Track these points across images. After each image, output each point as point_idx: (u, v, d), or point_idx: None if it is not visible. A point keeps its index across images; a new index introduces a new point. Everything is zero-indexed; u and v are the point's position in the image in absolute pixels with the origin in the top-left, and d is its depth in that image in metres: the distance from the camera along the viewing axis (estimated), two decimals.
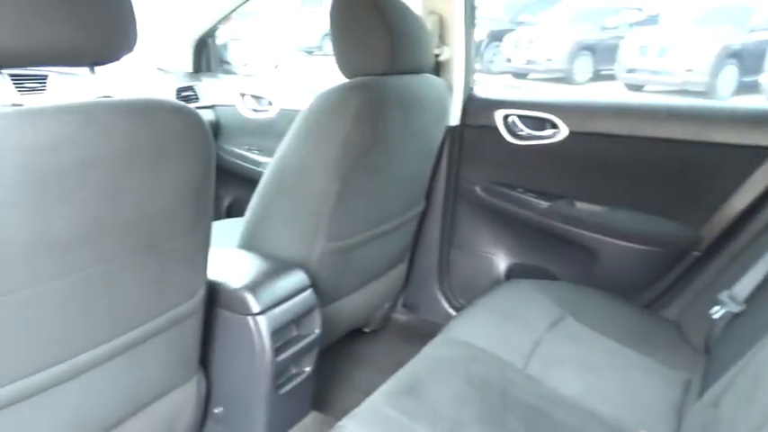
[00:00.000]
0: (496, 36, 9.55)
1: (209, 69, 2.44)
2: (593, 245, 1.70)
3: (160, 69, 2.34)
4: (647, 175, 1.64)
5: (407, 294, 2.05)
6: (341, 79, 1.43)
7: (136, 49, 0.99)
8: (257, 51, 2.51)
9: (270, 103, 2.25)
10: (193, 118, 1.01)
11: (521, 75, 9.59)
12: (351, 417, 1.06)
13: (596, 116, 1.67)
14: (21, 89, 1.84)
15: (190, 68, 2.40)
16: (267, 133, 2.24)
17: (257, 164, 2.26)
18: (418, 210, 1.79)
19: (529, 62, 9.41)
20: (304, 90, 2.26)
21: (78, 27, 0.88)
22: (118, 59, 0.96)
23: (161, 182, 0.96)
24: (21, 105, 0.84)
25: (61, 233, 0.84)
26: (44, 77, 1.89)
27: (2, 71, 0.86)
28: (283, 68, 2.59)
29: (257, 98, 2.29)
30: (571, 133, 1.68)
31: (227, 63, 2.46)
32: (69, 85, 1.92)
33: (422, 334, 1.97)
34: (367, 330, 1.97)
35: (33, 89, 1.85)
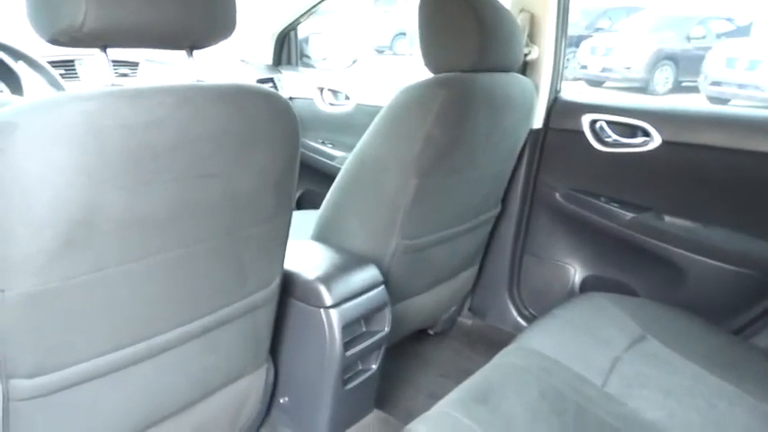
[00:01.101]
0: (573, 41, 9.29)
1: (289, 62, 2.48)
2: (680, 262, 1.60)
3: (243, 61, 2.39)
4: (746, 191, 1.53)
5: (475, 299, 2.00)
6: (418, 78, 1.40)
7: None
8: (336, 47, 2.52)
9: (347, 98, 2.25)
10: (283, 106, 1.00)
11: (596, 82, 9.29)
12: (421, 420, 1.03)
13: (694, 125, 1.57)
14: (117, 74, 1.92)
15: (270, 61, 2.44)
16: (343, 127, 2.24)
17: (331, 157, 2.27)
18: (494, 213, 1.74)
19: (605, 70, 9.10)
20: (382, 86, 2.25)
21: (181, 11, 0.89)
22: (215, 44, 0.97)
23: (247, 167, 0.96)
24: (120, 86, 0.86)
25: (150, 213, 0.85)
26: (135, 64, 1.97)
27: (106, 50, 0.88)
28: (360, 65, 2.59)
29: (335, 92, 2.30)
30: (664, 143, 1.58)
31: (307, 57, 2.48)
32: (158, 72, 1.98)
33: (487, 340, 1.93)
34: (432, 333, 1.94)
35: (125, 75, 1.92)
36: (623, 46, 8.98)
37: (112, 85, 0.86)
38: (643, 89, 8.79)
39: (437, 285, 1.70)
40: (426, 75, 1.43)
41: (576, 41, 9.31)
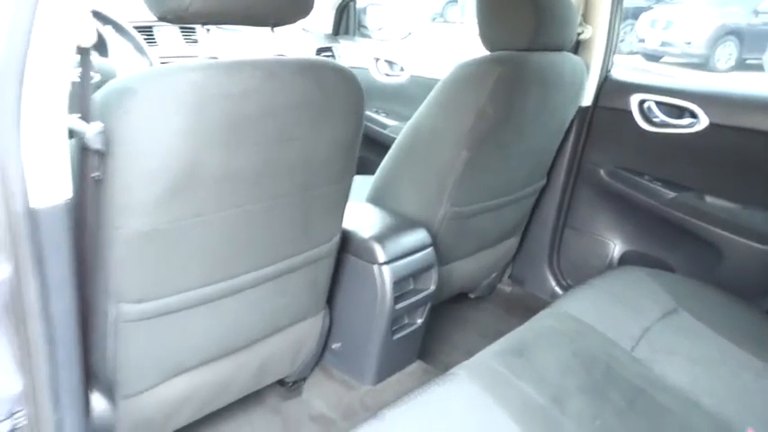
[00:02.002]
0: (630, 13, 8.98)
1: (347, 32, 2.57)
2: (717, 241, 1.66)
3: (304, 29, 2.50)
4: None
5: (515, 267, 2.10)
6: (473, 50, 1.48)
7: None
8: (392, 18, 2.60)
9: (402, 69, 2.34)
10: (353, 79, 1.12)
11: (653, 57, 8.99)
12: (462, 366, 1.15)
13: (742, 109, 1.60)
14: (187, 40, 2.06)
15: (330, 30, 2.53)
16: (396, 97, 2.34)
17: (383, 126, 2.37)
18: (538, 186, 1.83)
19: (664, 44, 8.79)
20: (436, 58, 2.33)
21: None
22: (295, 22, 1.09)
23: (321, 134, 1.08)
24: (216, 58, 0.98)
25: (240, 170, 0.98)
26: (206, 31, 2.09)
27: (205, 27, 1.01)
28: (415, 36, 2.66)
29: (390, 63, 2.39)
30: (711, 125, 1.63)
31: (365, 27, 2.57)
32: (225, 41, 2.12)
33: (525, 307, 2.02)
34: (472, 296, 2.05)
35: (197, 41, 2.06)
36: (685, 19, 8.65)
37: (210, 57, 0.98)
38: (703, 65, 8.48)
39: (480, 251, 1.80)
40: (481, 50, 1.51)
41: (635, 13, 9.00)
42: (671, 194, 1.72)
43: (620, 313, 1.41)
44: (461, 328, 1.94)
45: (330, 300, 1.46)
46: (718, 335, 1.39)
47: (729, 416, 1.16)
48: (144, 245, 0.94)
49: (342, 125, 1.11)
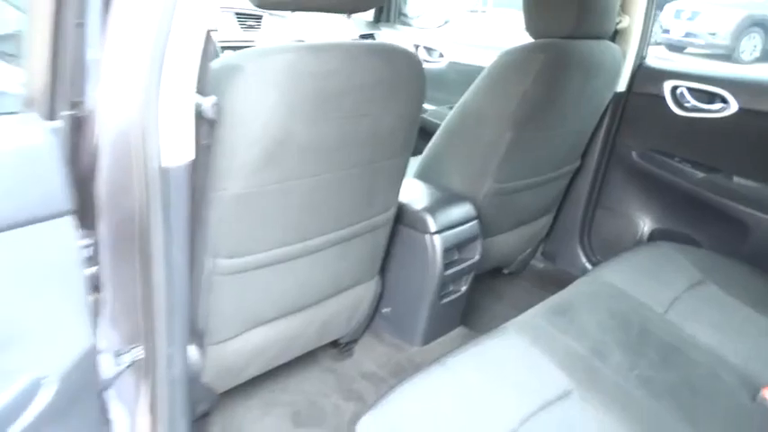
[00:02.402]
0: (657, 4, 8.92)
1: (388, 20, 2.68)
2: (744, 219, 1.76)
3: (347, 16, 2.61)
4: None
5: (548, 244, 2.21)
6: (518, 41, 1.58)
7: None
8: (431, 6, 2.71)
9: (441, 56, 2.45)
10: (418, 61, 1.24)
11: (677, 48, 8.95)
12: (510, 323, 1.27)
13: None
14: (242, 26, 2.19)
15: (371, 18, 2.65)
16: (435, 83, 2.45)
17: (423, 110, 2.48)
18: (573, 167, 1.93)
19: (688, 35, 8.74)
20: (473, 46, 2.43)
21: None
22: (370, 9, 1.21)
23: (389, 110, 1.21)
24: (302, 41, 1.11)
25: (322, 141, 1.11)
26: (259, 17, 2.23)
27: (288, 13, 1.13)
28: (453, 24, 2.77)
29: (429, 50, 2.50)
30: (740, 110, 1.72)
31: (405, 15, 2.68)
32: (277, 25, 2.25)
33: (557, 282, 2.13)
34: (506, 272, 2.17)
35: (252, 27, 2.19)
36: (710, 10, 8.60)
37: (296, 41, 1.11)
38: (727, 57, 8.43)
39: (517, 227, 1.92)
40: (526, 38, 1.62)
41: (660, 4, 8.94)
42: (700, 175, 1.82)
43: (651, 283, 1.52)
44: (497, 301, 2.06)
45: (383, 268, 1.59)
46: (743, 304, 1.50)
47: (753, 371, 1.27)
48: (238, 206, 1.07)
49: (406, 103, 1.24)
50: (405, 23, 2.68)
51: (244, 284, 1.18)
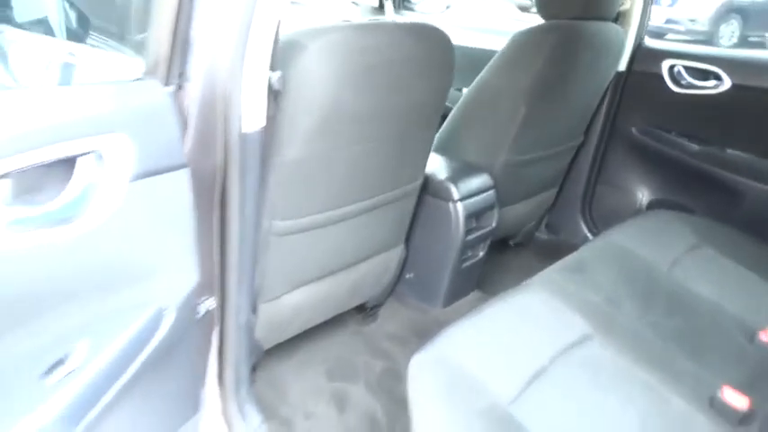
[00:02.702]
0: None
1: (393, 6, 2.78)
2: (737, 187, 1.90)
3: (353, 2, 2.71)
4: None
5: (552, 216, 2.35)
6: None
7: None
8: None
9: None
10: (448, 39, 1.35)
11: (657, 34, 9.13)
12: (532, 280, 1.40)
13: (761, 71, 1.84)
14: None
15: (376, 4, 2.74)
16: None
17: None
18: (577, 142, 2.07)
19: (669, 21, 8.93)
20: (474, 30, 2.55)
21: None
22: None
23: (422, 84, 1.32)
24: (349, 21, 1.21)
25: (365, 111, 1.22)
26: None
27: None
28: (454, 9, 2.87)
29: None
30: (733, 86, 1.86)
31: (408, 1, 2.78)
32: (296, 11, 2.34)
33: (560, 253, 2.27)
34: (512, 243, 2.30)
35: (296, 1, 2.28)
36: None
37: (343, 20, 1.21)
38: (706, 42, 8.64)
39: (525, 199, 2.05)
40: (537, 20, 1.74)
41: None
42: (695, 147, 1.96)
43: (654, 245, 1.66)
44: (506, 269, 2.19)
45: (407, 235, 1.70)
46: (737, 264, 1.64)
47: (749, 318, 1.41)
48: (293, 171, 1.18)
49: (437, 78, 1.35)
50: (408, 9, 2.78)
51: (292, 245, 1.29)
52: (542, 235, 2.38)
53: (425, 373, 1.06)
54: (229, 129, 0.94)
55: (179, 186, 0.81)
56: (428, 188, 1.67)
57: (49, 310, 0.68)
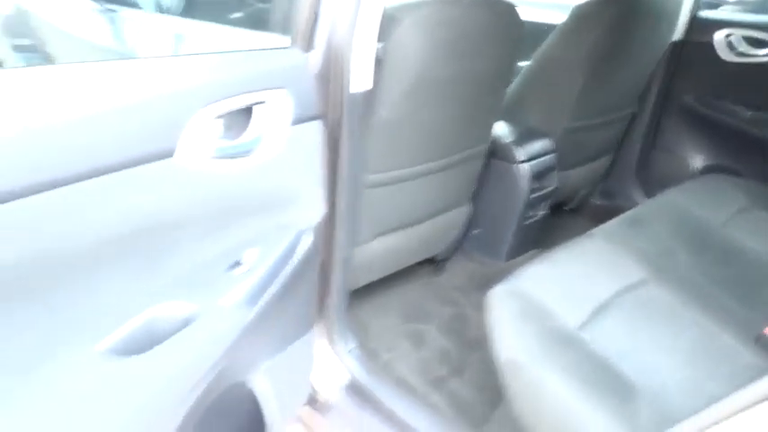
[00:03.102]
0: None
1: None
2: None
3: None
4: None
5: (607, 183, 2.46)
6: None
7: None
8: None
9: None
10: (516, 12, 1.49)
11: (712, 5, 8.89)
12: (594, 231, 1.54)
13: None
14: None
15: None
16: None
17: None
18: (632, 110, 2.18)
19: None
20: (537, 5, 2.66)
21: None
22: None
23: (492, 54, 1.47)
24: None
25: (444, 78, 1.38)
26: None
27: None
28: None
29: None
30: None
31: None
32: None
33: (614, 217, 2.39)
34: (566, 208, 2.43)
35: None
36: None
37: None
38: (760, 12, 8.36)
39: (582, 165, 2.18)
40: None
41: None
42: (748, 113, 2.05)
43: (708, 205, 1.77)
44: (562, 232, 2.32)
45: (474, 195, 1.87)
46: None
47: None
48: (383, 129, 1.35)
49: (506, 48, 1.50)
50: None
51: (378, 197, 1.47)
52: (596, 201, 2.50)
53: (502, 302, 1.24)
54: (343, 89, 1.11)
55: (315, 134, 0.99)
56: (495, 151, 1.82)
57: (233, 222, 0.88)
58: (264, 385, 1.04)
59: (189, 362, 0.75)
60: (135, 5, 1.83)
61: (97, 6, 1.88)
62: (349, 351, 1.38)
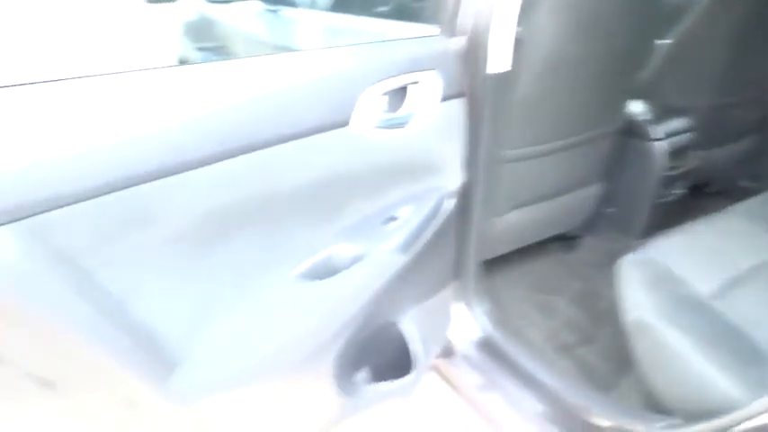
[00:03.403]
0: None
1: None
2: None
3: None
4: None
5: (755, 165, 2.34)
6: None
7: None
8: None
9: None
10: None
11: None
12: (733, 207, 1.53)
13: None
14: None
15: None
16: None
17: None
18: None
19: None
20: None
21: None
22: None
23: (627, 34, 1.51)
24: None
25: (578, 58, 1.45)
26: None
27: None
28: None
29: None
30: None
31: None
32: None
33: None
34: (708, 191, 2.34)
35: None
36: None
37: None
38: None
39: (726, 144, 2.11)
40: None
41: None
42: None
43: None
44: (700, 216, 2.26)
45: (608, 174, 1.90)
46: None
47: None
48: (519, 107, 1.46)
49: (642, 27, 1.53)
50: None
51: (515, 171, 1.58)
52: (744, 183, 2.39)
53: (634, 269, 1.30)
54: (484, 70, 1.24)
55: (459, 110, 1.14)
56: (630, 129, 1.85)
57: (391, 182, 1.06)
58: (411, 328, 1.22)
59: (356, 290, 0.94)
60: (294, 5, 2.09)
61: (264, 7, 2.18)
62: (482, 311, 1.52)
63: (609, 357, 1.62)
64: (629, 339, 1.27)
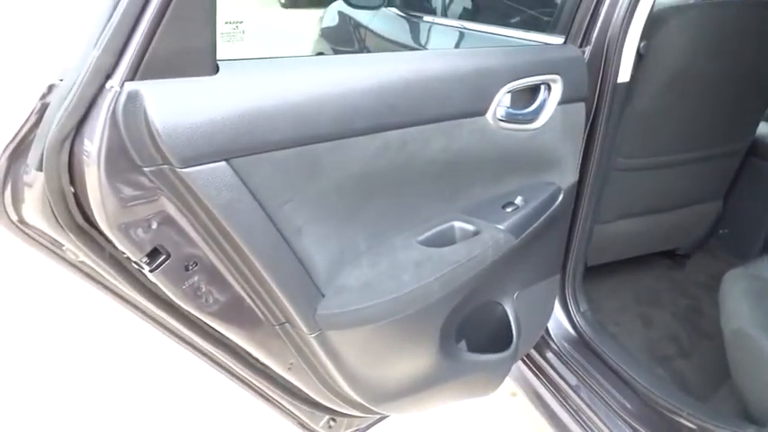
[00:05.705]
0: None
1: None
2: None
3: None
4: None
5: None
6: None
7: None
8: None
9: None
10: None
11: None
12: None
13: None
14: None
15: None
16: None
17: None
18: None
19: None
20: None
21: None
22: None
23: (761, 56, 1.53)
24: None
25: (706, 76, 1.49)
26: None
27: None
28: None
29: None
30: None
31: None
32: None
33: None
34: None
35: None
36: None
37: None
38: None
39: None
40: None
41: None
42: None
43: None
44: None
45: (726, 193, 1.89)
46: None
47: None
48: (639, 119, 1.50)
49: None
50: None
51: (627, 180, 1.64)
52: None
53: (740, 281, 1.33)
54: (605, 80, 1.33)
55: (578, 114, 1.24)
56: (755, 149, 1.83)
57: (512, 171, 1.19)
58: (515, 311, 1.33)
59: (469, 260, 1.07)
60: (434, 13, 2.27)
61: (403, 15, 2.37)
62: (580, 311, 1.59)
63: (706, 371, 1.63)
64: (727, 349, 1.30)
